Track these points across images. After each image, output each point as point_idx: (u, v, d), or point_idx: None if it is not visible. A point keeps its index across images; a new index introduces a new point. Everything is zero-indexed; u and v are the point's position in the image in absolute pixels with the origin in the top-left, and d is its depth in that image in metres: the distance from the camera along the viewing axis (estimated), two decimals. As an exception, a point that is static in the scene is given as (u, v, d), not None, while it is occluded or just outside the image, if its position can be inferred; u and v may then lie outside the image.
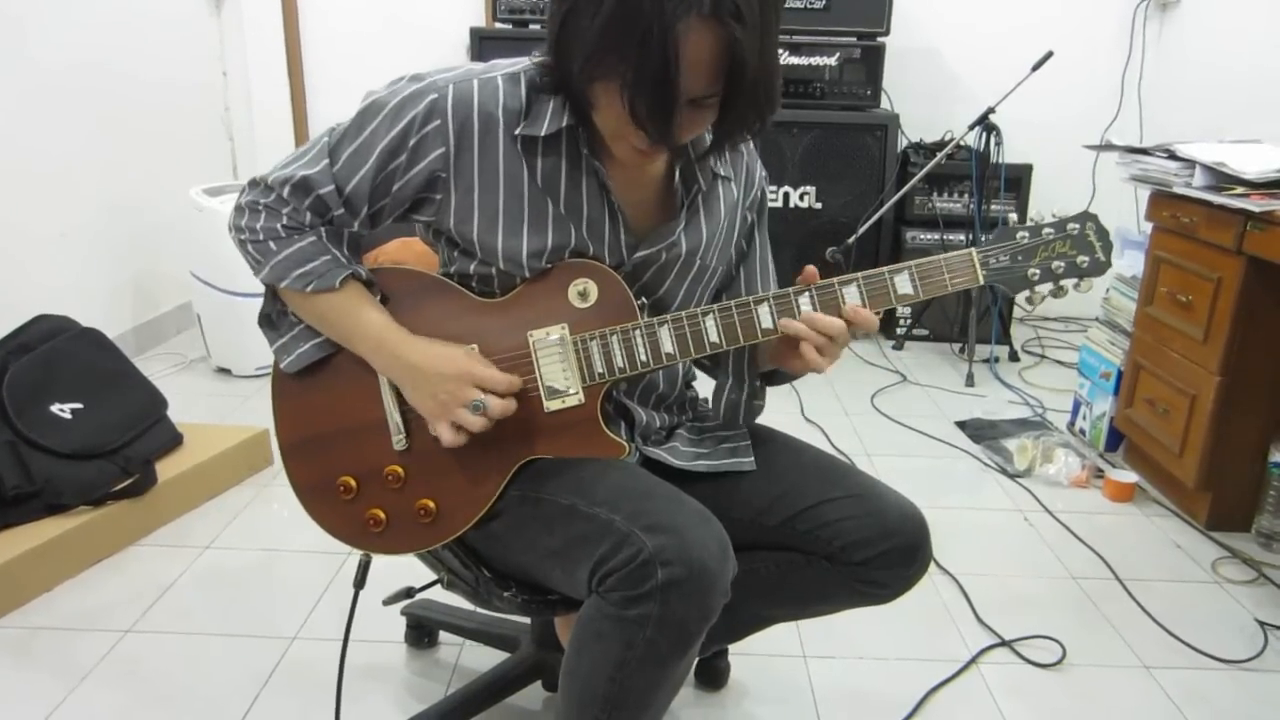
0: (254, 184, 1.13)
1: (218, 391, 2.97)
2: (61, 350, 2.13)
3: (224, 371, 3.11)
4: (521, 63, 1.12)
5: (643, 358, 1.12)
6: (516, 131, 1.08)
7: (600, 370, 1.12)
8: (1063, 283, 1.12)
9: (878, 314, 1.11)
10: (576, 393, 1.13)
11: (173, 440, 2.24)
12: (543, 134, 1.08)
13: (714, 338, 1.11)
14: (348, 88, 4.00)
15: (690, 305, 1.22)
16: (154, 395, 2.25)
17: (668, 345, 1.11)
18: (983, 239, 3.49)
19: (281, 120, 3.94)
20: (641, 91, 0.94)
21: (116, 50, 3.11)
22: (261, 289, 1.19)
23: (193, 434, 2.30)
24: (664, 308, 1.20)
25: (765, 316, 1.10)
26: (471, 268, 1.15)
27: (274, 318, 1.20)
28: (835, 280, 1.10)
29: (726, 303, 1.11)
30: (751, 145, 1.27)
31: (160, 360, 3.22)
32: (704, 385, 1.40)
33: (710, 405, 1.30)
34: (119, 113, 3.12)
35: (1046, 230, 1.11)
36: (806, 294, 1.10)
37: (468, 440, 1.12)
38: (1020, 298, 1.15)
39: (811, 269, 1.11)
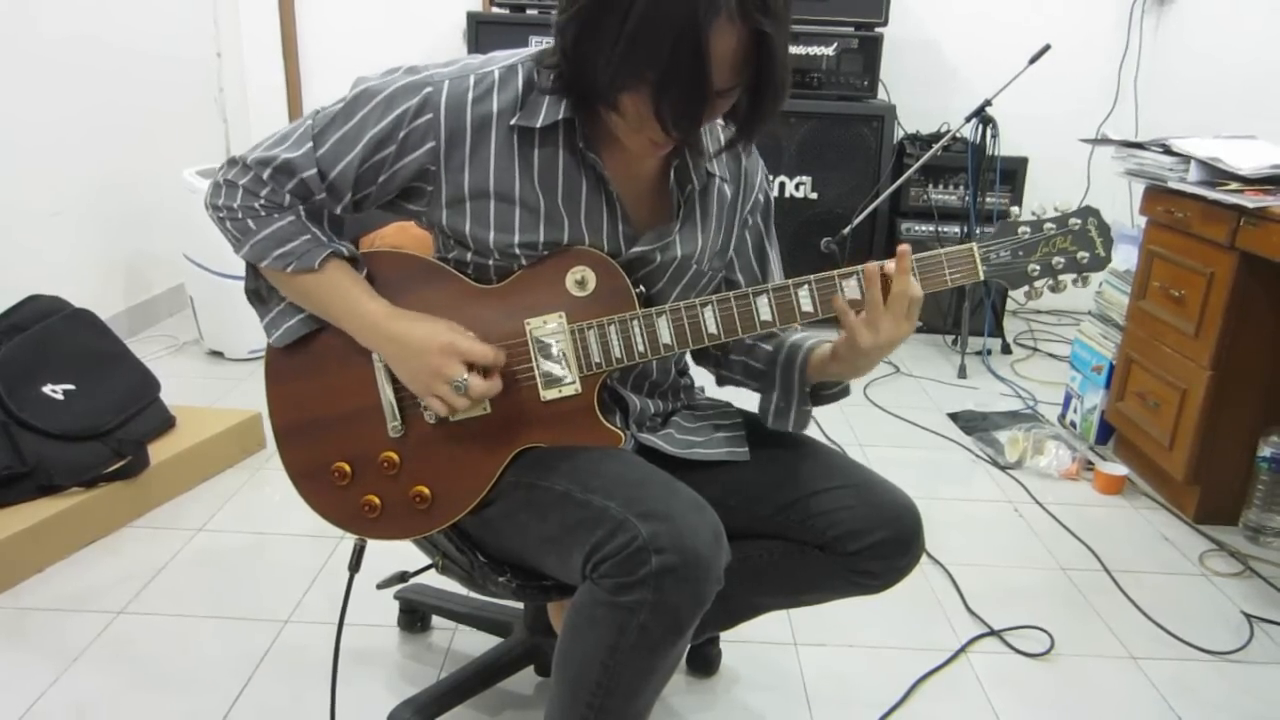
0: (232, 162, 1.13)
1: (210, 374, 2.97)
2: (54, 331, 2.12)
3: (216, 354, 3.10)
4: (520, 54, 1.11)
5: (640, 348, 1.12)
6: (512, 122, 1.08)
7: (597, 360, 1.12)
8: (1062, 278, 1.11)
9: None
10: (573, 382, 1.13)
11: (165, 422, 2.24)
12: (539, 125, 1.08)
13: (712, 329, 1.11)
14: (343, 71, 3.97)
15: None
16: (147, 377, 2.25)
17: (665, 336, 1.11)
18: (978, 231, 3.49)
19: (276, 103, 3.91)
20: (672, 97, 0.94)
21: (110, 29, 3.08)
22: None
23: (185, 416, 2.30)
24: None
25: (764, 308, 1.10)
26: (468, 257, 1.15)
27: (262, 292, 1.20)
28: (835, 273, 1.10)
29: (725, 294, 1.11)
30: (753, 147, 1.27)
31: (153, 342, 3.21)
32: (700, 377, 1.40)
33: (758, 414, 1.27)
34: (112, 93, 3.10)
35: (1048, 225, 1.10)
36: (805, 286, 1.10)
37: (461, 417, 1.13)
38: (1018, 292, 1.15)
39: (904, 247, 1.08)
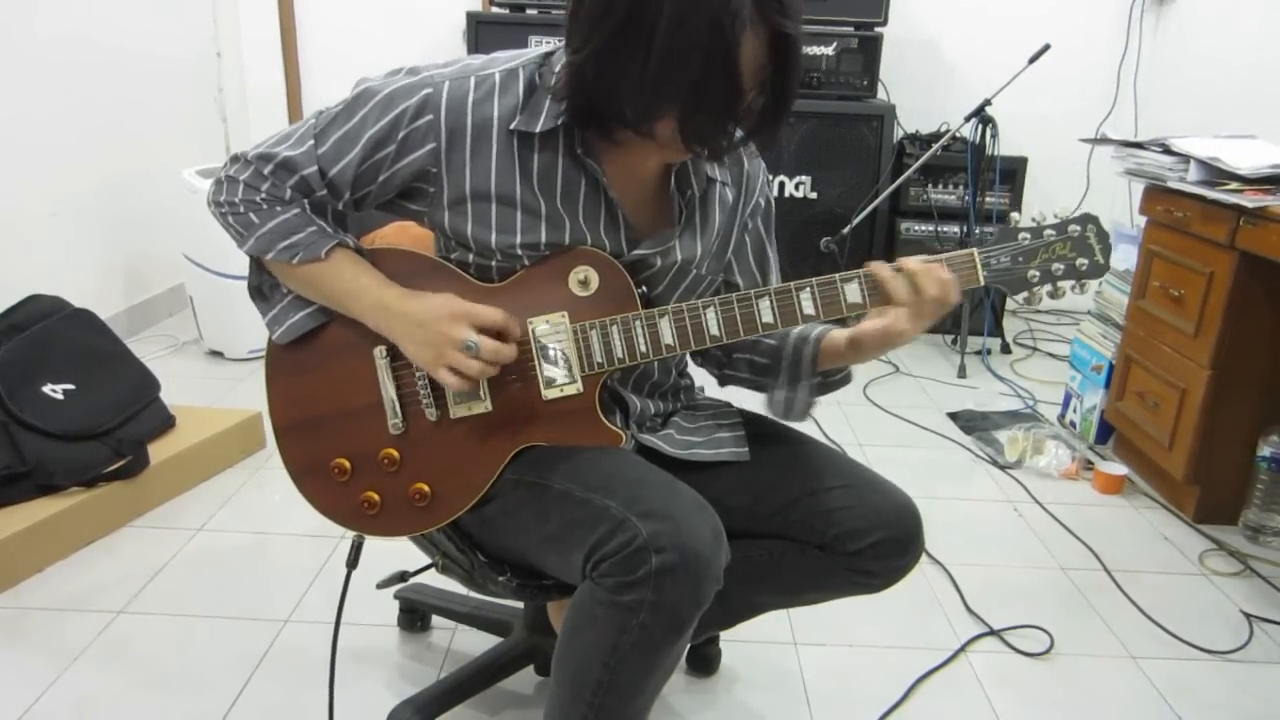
0: (235, 159, 1.13)
1: (210, 374, 2.97)
2: (54, 331, 2.12)
3: (216, 354, 3.10)
4: (521, 57, 1.11)
5: (642, 348, 1.12)
6: (511, 126, 1.08)
7: (599, 359, 1.12)
8: (1061, 284, 1.13)
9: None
10: (575, 381, 1.13)
11: (165, 422, 2.24)
12: (538, 130, 1.08)
13: (714, 330, 1.11)
14: (343, 71, 3.98)
15: None
16: (147, 377, 2.25)
17: (668, 337, 1.11)
18: (977, 231, 3.49)
19: (275, 103, 3.91)
20: (702, 116, 0.95)
21: (109, 29, 3.08)
22: None
23: (185, 416, 2.30)
24: None
25: (766, 310, 1.10)
26: (470, 258, 1.15)
27: (265, 289, 1.20)
28: (837, 276, 1.10)
29: (728, 295, 1.11)
30: (755, 151, 1.27)
31: (153, 342, 3.21)
32: (700, 377, 1.40)
33: (766, 405, 1.28)
34: (112, 93, 3.10)
35: (1048, 232, 1.12)
36: (808, 289, 1.10)
37: (462, 414, 1.13)
38: (1018, 297, 1.16)
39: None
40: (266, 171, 1.11)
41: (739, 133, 1.02)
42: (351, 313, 1.14)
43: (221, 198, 1.13)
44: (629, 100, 0.97)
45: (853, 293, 1.10)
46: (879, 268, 1.09)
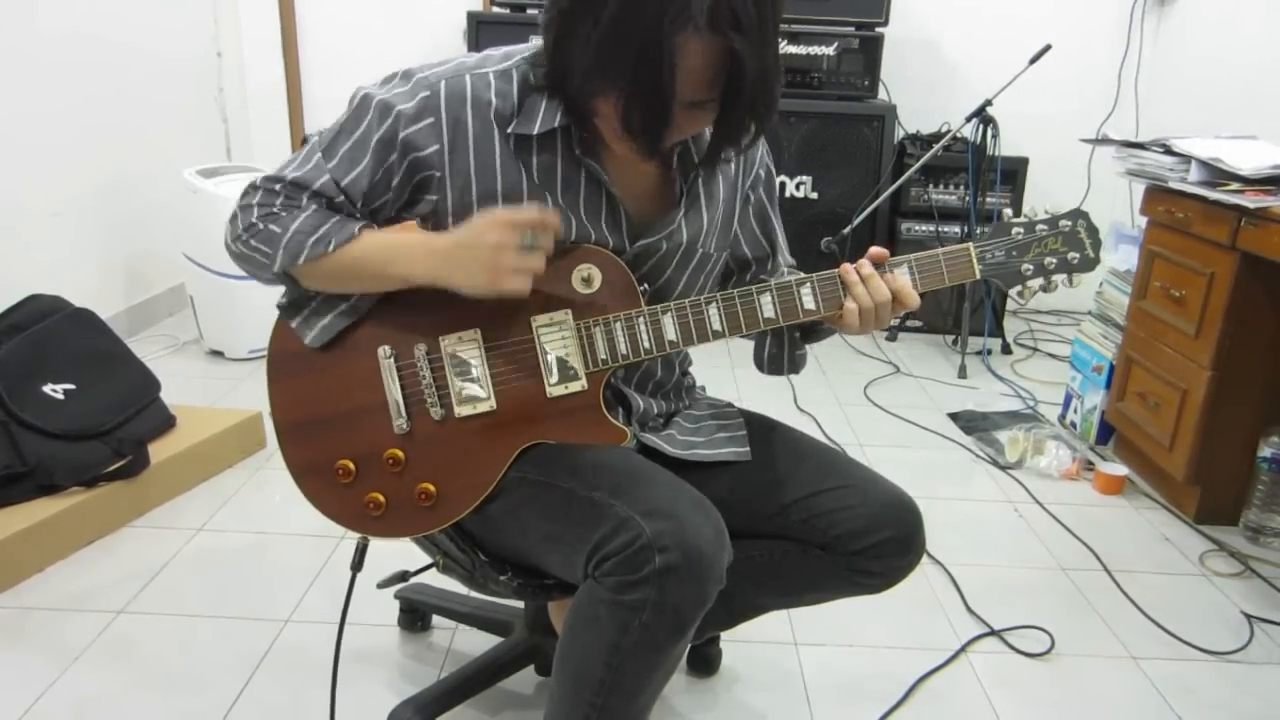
0: (244, 193, 1.12)
1: (211, 374, 2.96)
2: (54, 330, 2.12)
3: (217, 354, 3.10)
4: (515, 56, 1.11)
5: (646, 344, 1.12)
6: (509, 130, 1.09)
7: (603, 356, 1.12)
8: (1054, 278, 1.16)
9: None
10: (579, 378, 1.13)
11: (165, 422, 2.24)
12: (535, 132, 1.08)
13: (716, 326, 1.12)
14: (343, 71, 4.00)
15: (692, 295, 1.22)
16: (147, 377, 2.25)
17: (671, 333, 1.12)
18: (978, 231, 3.49)
19: (276, 102, 3.92)
20: (636, 105, 0.95)
21: (110, 28, 3.08)
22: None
23: (186, 416, 2.29)
24: (665, 298, 1.20)
25: (767, 306, 1.12)
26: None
27: (299, 301, 1.18)
28: (836, 271, 1.12)
29: (729, 291, 1.12)
30: None
31: (153, 342, 3.20)
32: (701, 376, 1.40)
33: (754, 363, 1.32)
34: (112, 92, 3.10)
35: (1040, 226, 1.14)
36: (808, 284, 1.11)
37: (467, 413, 1.14)
38: (1012, 292, 1.18)
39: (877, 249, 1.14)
40: (278, 188, 1.10)
41: (677, 132, 1.02)
42: (400, 277, 1.10)
43: (239, 229, 1.11)
44: (576, 68, 0.98)
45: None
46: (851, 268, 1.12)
